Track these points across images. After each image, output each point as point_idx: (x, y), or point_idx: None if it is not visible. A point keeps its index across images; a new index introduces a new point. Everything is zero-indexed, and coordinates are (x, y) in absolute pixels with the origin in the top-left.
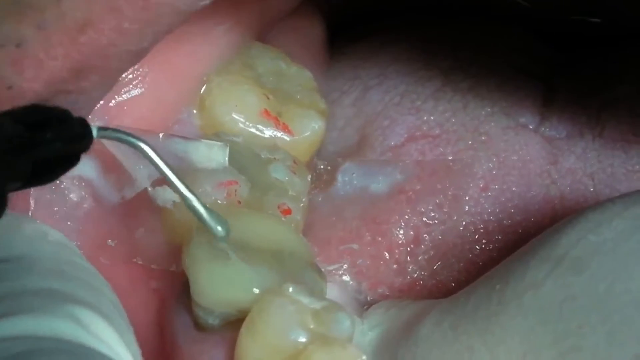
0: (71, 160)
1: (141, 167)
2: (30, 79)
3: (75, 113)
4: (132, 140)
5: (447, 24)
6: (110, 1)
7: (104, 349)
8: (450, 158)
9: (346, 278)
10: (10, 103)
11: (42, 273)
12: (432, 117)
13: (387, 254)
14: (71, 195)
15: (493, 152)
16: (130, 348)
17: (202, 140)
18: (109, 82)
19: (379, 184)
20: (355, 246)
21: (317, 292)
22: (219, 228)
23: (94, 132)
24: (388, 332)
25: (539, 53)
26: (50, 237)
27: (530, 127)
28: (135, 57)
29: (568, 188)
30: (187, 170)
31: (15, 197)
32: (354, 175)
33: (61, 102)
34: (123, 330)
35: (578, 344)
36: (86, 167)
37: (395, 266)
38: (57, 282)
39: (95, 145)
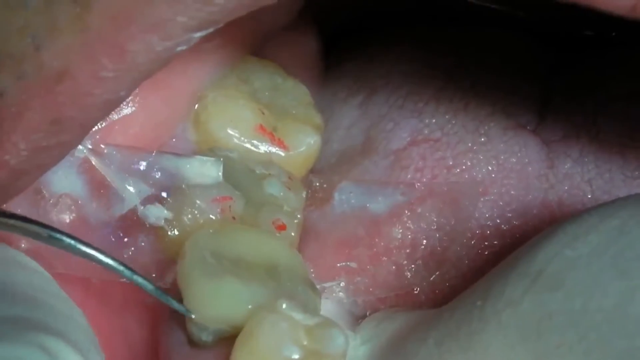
0: None
1: (130, 184)
2: (7, 130)
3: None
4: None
5: (448, 28)
6: (87, 50)
7: None
8: (450, 163)
9: (342, 294)
10: None
11: (11, 300)
12: (433, 120)
13: (384, 267)
14: (58, 213)
15: (492, 155)
16: None
17: (196, 156)
18: (86, 133)
19: (379, 204)
20: (351, 264)
21: (311, 308)
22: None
23: None
24: (379, 347)
25: (539, 56)
26: (22, 263)
27: (529, 127)
28: (113, 105)
29: (566, 194)
30: (180, 187)
31: None
32: (352, 194)
33: (44, 159)
34: (92, 357)
35: None
36: (74, 184)
37: (392, 278)
38: (27, 309)
39: (84, 163)
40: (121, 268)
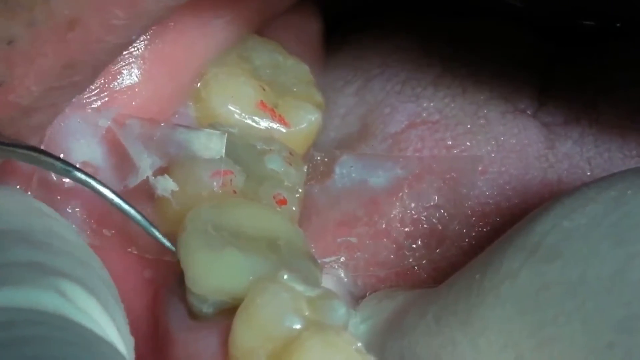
0: None
1: (145, 156)
2: (20, 76)
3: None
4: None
5: (445, 18)
6: None
7: (87, 322)
8: (449, 143)
9: (341, 270)
10: (3, 99)
11: (30, 246)
12: (431, 104)
13: (384, 244)
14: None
15: (492, 136)
16: (116, 322)
17: (203, 129)
18: (98, 73)
19: (379, 178)
20: (352, 238)
21: (312, 281)
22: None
23: None
24: (379, 324)
25: (537, 47)
26: (42, 210)
27: (529, 112)
28: (123, 48)
29: (565, 172)
30: (185, 159)
31: (18, 176)
32: (352, 168)
33: (56, 98)
34: (110, 305)
35: (555, 333)
36: (95, 153)
37: (392, 256)
38: (45, 255)
39: (106, 133)
40: (109, 194)
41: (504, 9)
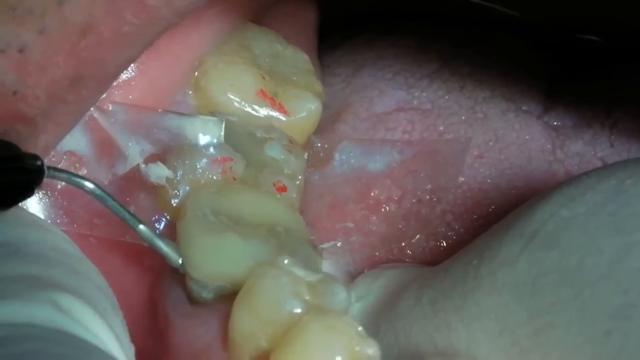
0: (25, 192)
1: (134, 143)
2: (32, 85)
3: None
4: (78, 180)
5: (450, 27)
6: (110, 4)
7: (84, 334)
8: (441, 129)
9: (340, 256)
10: (16, 108)
11: (24, 259)
12: (424, 94)
13: (379, 226)
14: None
15: (490, 128)
16: (115, 331)
17: (198, 116)
18: (104, 89)
19: (376, 163)
20: (350, 224)
21: (312, 267)
22: (176, 256)
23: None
24: (373, 304)
25: (543, 62)
26: (35, 222)
27: (534, 114)
28: (132, 60)
29: (576, 167)
30: (182, 147)
31: None
32: (352, 154)
33: (64, 115)
34: (108, 314)
35: (551, 321)
36: (79, 142)
37: (387, 238)
38: (40, 267)
39: (89, 122)
40: (110, 200)
41: (506, 22)
